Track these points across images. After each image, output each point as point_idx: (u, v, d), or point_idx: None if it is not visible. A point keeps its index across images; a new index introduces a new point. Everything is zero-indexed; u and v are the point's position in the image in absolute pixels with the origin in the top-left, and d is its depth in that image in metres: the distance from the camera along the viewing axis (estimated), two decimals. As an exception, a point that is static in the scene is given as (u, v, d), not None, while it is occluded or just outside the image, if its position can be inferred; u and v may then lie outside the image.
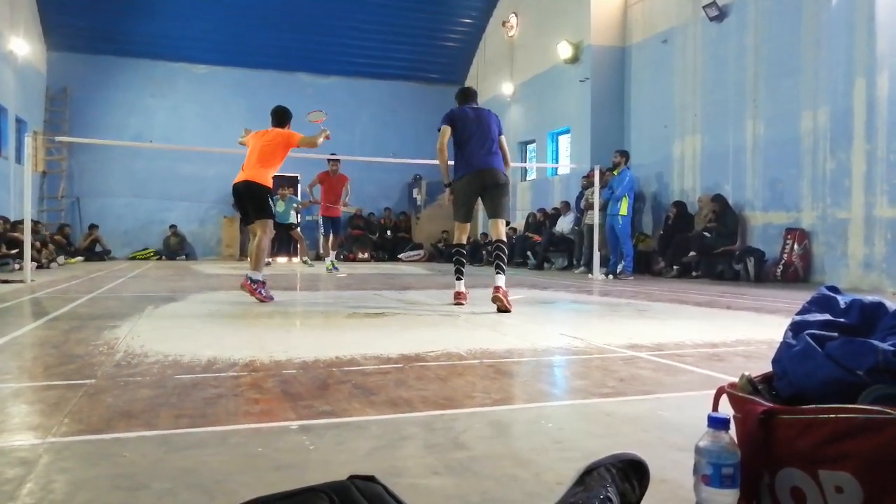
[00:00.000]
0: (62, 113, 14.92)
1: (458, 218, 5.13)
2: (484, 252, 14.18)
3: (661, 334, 3.44)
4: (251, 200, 5.38)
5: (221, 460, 1.42)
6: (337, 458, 1.44)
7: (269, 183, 5.48)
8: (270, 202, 5.49)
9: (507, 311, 4.48)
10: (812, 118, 8.03)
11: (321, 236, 11.02)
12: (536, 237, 12.37)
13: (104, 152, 14.90)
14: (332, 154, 10.67)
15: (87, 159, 15.06)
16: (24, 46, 12.90)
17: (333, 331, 3.54)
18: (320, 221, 11.40)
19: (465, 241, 5.23)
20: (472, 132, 5.02)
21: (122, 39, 14.88)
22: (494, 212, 5.04)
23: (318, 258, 15.03)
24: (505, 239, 5.01)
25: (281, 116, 5.84)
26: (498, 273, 4.74)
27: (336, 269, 10.18)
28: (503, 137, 5.18)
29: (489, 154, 5.01)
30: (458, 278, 5.12)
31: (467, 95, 5.38)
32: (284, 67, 16.36)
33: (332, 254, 10.29)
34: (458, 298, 5.01)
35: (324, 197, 10.02)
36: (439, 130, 5.12)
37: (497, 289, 4.61)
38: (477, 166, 4.98)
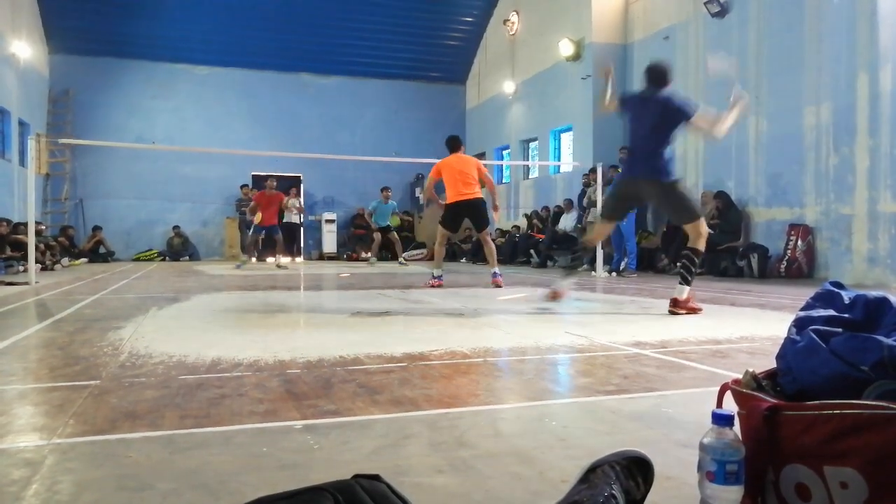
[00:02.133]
0: (65, 115, 14.96)
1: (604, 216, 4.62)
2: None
3: (665, 331, 3.43)
4: (474, 213, 6.83)
5: (226, 460, 1.43)
6: (341, 458, 1.44)
7: None
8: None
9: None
10: (815, 114, 8.01)
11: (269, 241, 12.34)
12: (539, 235, 12.35)
13: (107, 154, 14.93)
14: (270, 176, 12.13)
15: (90, 161, 15.10)
16: (27, 49, 12.92)
17: (337, 330, 3.54)
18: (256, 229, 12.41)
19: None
20: (638, 126, 4.31)
21: (124, 41, 14.91)
22: (676, 219, 4.48)
23: (321, 258, 15.07)
24: (697, 247, 4.23)
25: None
26: (681, 283, 4.21)
27: (243, 263, 11.66)
28: (697, 116, 4.12)
29: (644, 158, 4.23)
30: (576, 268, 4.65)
31: (657, 78, 4.33)
32: (286, 68, 16.38)
33: (278, 255, 12.02)
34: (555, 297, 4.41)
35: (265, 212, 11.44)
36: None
37: (675, 301, 4.19)
38: (632, 173, 4.35)
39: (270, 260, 14.09)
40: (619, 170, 4.49)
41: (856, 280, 7.31)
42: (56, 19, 14.27)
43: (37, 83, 14.16)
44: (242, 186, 15.32)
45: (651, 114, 4.20)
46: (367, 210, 13.61)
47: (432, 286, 6.53)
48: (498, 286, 6.54)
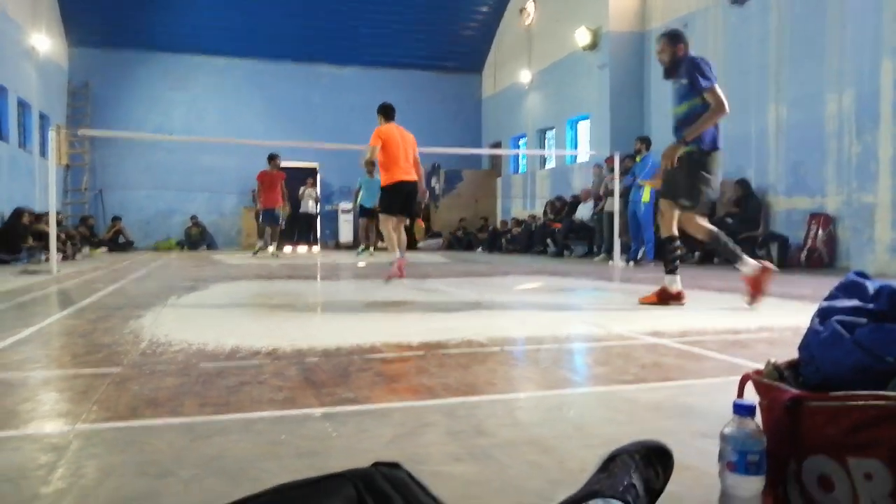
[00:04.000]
0: (84, 107, 15.10)
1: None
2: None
3: (683, 321, 3.41)
4: (413, 199, 6.09)
5: (245, 447, 1.44)
6: (360, 446, 1.45)
7: None
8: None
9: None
10: (837, 101, 7.88)
11: (269, 227, 11.63)
12: (556, 224, 12.31)
13: (125, 145, 15.08)
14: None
15: (109, 152, 15.25)
16: (46, 42, 13.05)
17: (354, 319, 3.56)
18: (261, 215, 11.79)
19: None
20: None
21: (142, 34, 15.01)
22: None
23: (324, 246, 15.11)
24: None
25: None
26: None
27: (258, 249, 11.27)
28: None
29: None
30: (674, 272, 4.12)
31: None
32: (302, 58, 16.41)
33: (274, 244, 11.41)
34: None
35: (268, 193, 11.07)
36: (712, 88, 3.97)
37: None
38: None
39: (288, 248, 14.14)
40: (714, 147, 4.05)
41: (878, 270, 7.21)
42: (75, 12, 14.39)
43: (56, 76, 14.29)
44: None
45: None
46: (355, 189, 11.89)
47: (397, 275, 5.65)
48: (395, 276, 5.70)
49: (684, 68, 4.10)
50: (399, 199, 6.02)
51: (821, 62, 8.10)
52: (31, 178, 12.21)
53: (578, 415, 1.71)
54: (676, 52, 4.19)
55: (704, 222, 4.21)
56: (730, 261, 4.06)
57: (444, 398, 1.85)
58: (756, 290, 3.88)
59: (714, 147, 4.05)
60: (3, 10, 10.98)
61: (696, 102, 4.02)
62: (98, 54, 15.10)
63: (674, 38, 4.23)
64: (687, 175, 4.07)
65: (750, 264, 3.91)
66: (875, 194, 7.40)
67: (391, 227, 6.05)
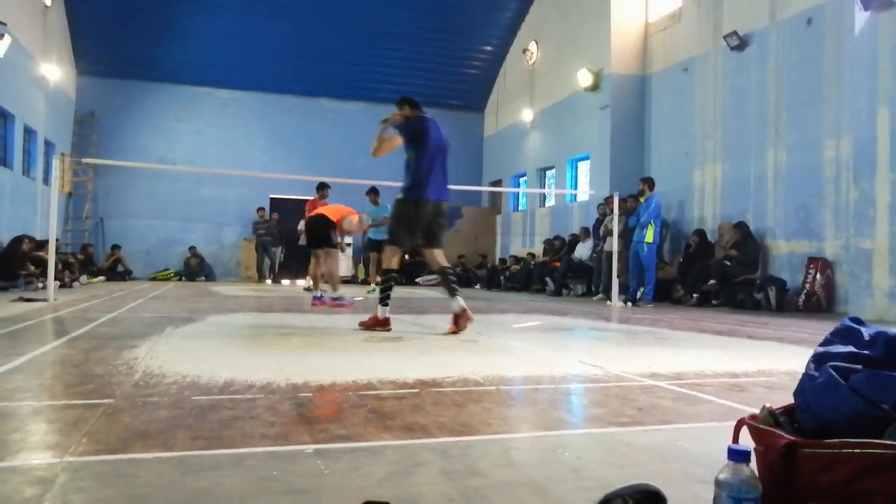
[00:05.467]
0: (89, 136, 15.26)
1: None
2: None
3: (680, 363, 3.39)
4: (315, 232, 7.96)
5: (236, 483, 1.42)
6: (352, 483, 1.43)
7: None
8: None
9: None
10: (835, 147, 7.97)
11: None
12: (555, 263, 12.32)
13: (128, 174, 15.19)
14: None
15: (112, 181, 15.36)
16: (56, 71, 13.25)
17: (350, 354, 3.54)
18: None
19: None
20: (438, 149, 4.72)
21: (149, 65, 15.26)
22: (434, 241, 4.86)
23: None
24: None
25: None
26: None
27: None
28: None
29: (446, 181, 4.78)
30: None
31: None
32: (306, 93, 16.63)
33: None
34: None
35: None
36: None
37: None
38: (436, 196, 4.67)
39: (286, 282, 14.14)
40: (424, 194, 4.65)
41: (877, 316, 7.20)
42: (85, 43, 14.65)
43: (64, 104, 14.48)
44: (259, 209, 15.48)
45: (443, 137, 4.78)
46: (364, 221, 9.79)
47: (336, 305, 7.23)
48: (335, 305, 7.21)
49: None
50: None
51: (818, 108, 8.22)
52: (33, 205, 12.27)
53: (573, 457, 1.69)
54: (405, 113, 4.85)
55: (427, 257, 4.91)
56: (448, 292, 4.69)
57: (439, 437, 1.83)
58: (455, 326, 4.52)
59: (417, 197, 4.64)
60: (17, 39, 11.16)
61: (410, 155, 4.70)
62: (105, 84, 15.33)
63: (399, 103, 4.94)
64: (393, 217, 4.80)
65: (457, 303, 4.53)
66: (873, 240, 7.44)
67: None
